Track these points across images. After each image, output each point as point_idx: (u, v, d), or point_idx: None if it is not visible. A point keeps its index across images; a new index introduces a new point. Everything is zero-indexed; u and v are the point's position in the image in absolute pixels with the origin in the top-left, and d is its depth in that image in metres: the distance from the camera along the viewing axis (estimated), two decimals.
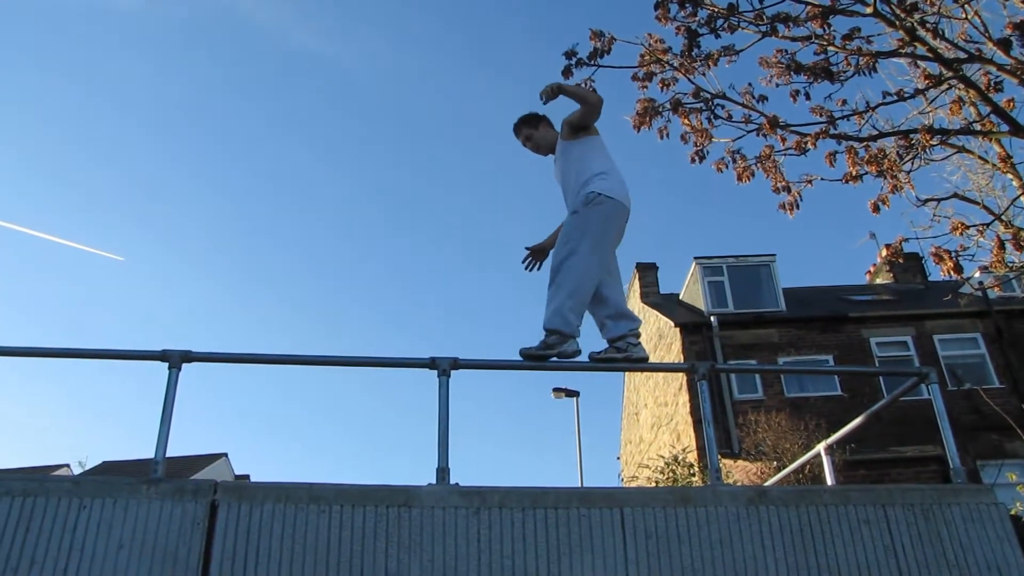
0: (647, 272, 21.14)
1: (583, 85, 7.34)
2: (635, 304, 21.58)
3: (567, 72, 7.73)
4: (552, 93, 4.52)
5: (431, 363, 3.79)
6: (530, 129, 4.93)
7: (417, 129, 66.06)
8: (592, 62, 7.86)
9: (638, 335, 4.47)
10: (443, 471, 3.57)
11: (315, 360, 4.22)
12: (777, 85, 7.83)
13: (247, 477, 30.39)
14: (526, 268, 4.92)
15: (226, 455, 34.65)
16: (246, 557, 3.23)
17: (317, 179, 62.81)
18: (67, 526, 3.28)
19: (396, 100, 65.21)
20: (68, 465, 39.32)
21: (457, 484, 3.55)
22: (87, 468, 38.75)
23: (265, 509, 3.31)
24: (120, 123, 59.14)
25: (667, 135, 8.10)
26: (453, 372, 3.79)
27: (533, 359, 4.22)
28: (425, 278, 68.84)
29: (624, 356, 4.35)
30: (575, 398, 20.24)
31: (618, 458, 23.92)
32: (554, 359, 4.22)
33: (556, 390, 20.20)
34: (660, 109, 8.01)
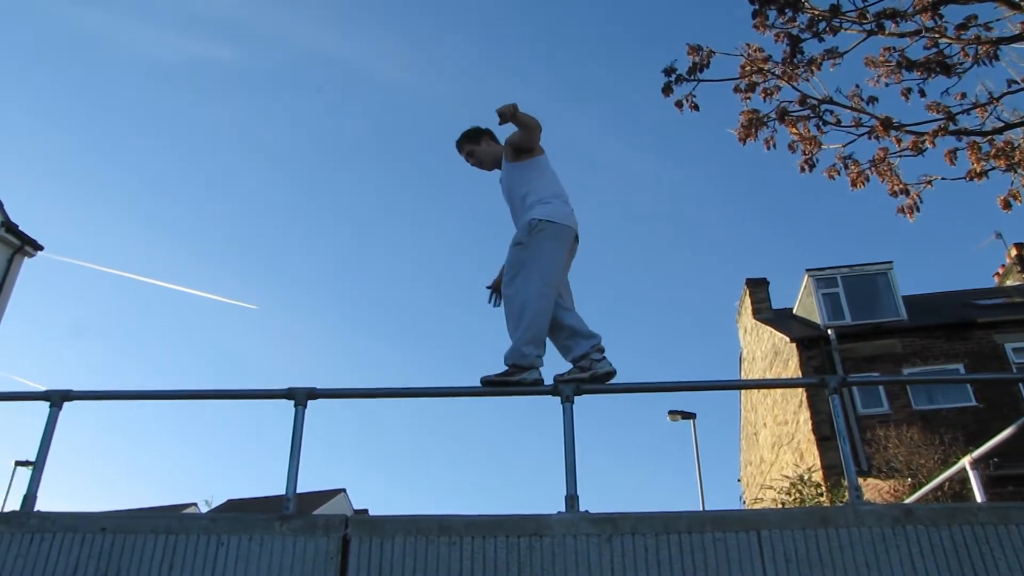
0: (758, 288, 20.60)
1: (688, 98, 7.24)
2: (747, 321, 21.05)
3: (667, 89, 7.66)
4: (511, 114, 4.32)
5: (554, 390, 3.76)
6: (472, 145, 4.84)
7: None
8: (692, 77, 7.76)
9: (601, 350, 4.28)
10: (572, 499, 3.51)
11: (424, 392, 4.27)
12: (887, 84, 7.55)
13: (366, 512, 30.92)
14: (492, 305, 4.76)
15: (344, 490, 35.38)
16: None
17: (432, 211, 64.13)
18: (207, 562, 3.37)
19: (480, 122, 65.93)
20: (196, 504, 40.91)
21: (587, 511, 3.48)
22: (213, 506, 40.25)
23: (396, 542, 3.32)
24: (247, 176, 61.94)
25: (774, 145, 7.91)
26: (577, 399, 3.75)
27: (491, 385, 4.13)
28: None
29: (590, 374, 4.16)
30: (692, 420, 19.81)
31: (739, 480, 23.24)
32: (516, 388, 4.11)
33: (672, 412, 19.81)
34: (765, 119, 7.83)
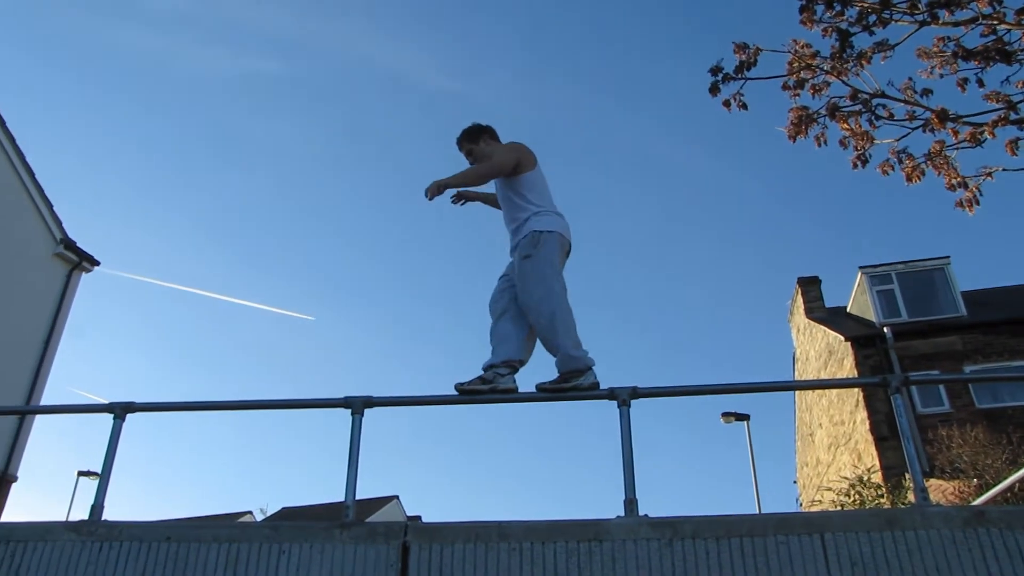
0: (810, 287, 20.26)
1: (736, 97, 7.12)
2: (800, 320, 20.72)
3: (714, 89, 7.59)
4: (436, 191, 4.40)
5: (610, 394, 3.73)
6: (471, 144, 4.89)
7: (559, 158, 66.61)
8: (739, 76, 7.68)
9: (512, 367, 4.34)
10: (631, 502, 3.48)
11: (479, 399, 4.25)
12: (941, 75, 7.37)
13: (418, 518, 31.07)
14: (451, 202, 4.86)
15: (397, 497, 35.59)
16: None
17: (485, 215, 64.31)
18: (269, 570, 3.41)
19: (532, 130, 66.08)
20: (251, 512, 41.50)
21: (646, 515, 3.45)
22: (268, 514, 40.80)
23: (455, 549, 3.32)
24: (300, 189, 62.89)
25: (825, 142, 7.77)
26: (633, 402, 3.72)
27: (548, 392, 4.17)
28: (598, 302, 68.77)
29: (490, 387, 4.24)
30: (745, 421, 19.55)
31: (795, 481, 22.87)
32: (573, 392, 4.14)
33: (725, 414, 19.57)
34: (815, 116, 7.71)
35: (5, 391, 15.05)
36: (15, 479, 15.22)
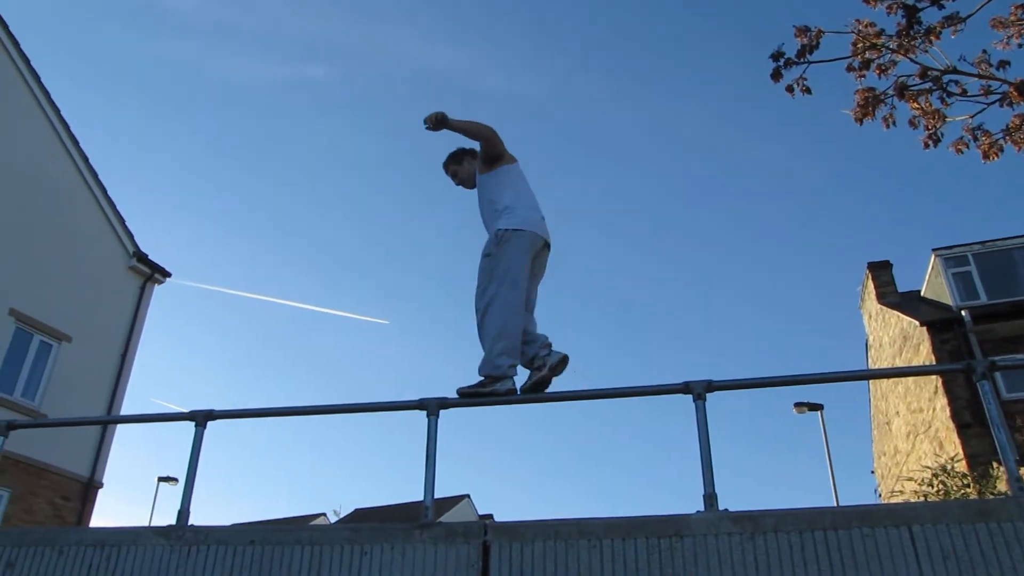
0: (881, 271, 19.73)
1: (799, 82, 6.98)
2: (872, 307, 20.21)
3: (776, 75, 7.43)
4: (436, 122, 4.42)
5: (685, 388, 3.68)
6: (455, 166, 4.99)
7: (612, 155, 66.23)
8: (801, 60, 7.51)
9: (548, 345, 4.39)
10: (710, 497, 3.43)
11: (558, 396, 4.24)
12: (1020, 45, 7.07)
13: (490, 517, 31.20)
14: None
15: (468, 496, 35.79)
16: None
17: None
18: (351, 572, 3.45)
19: (581, 127, 65.76)
20: (325, 514, 42.21)
21: (727, 510, 3.39)
22: (342, 516, 41.43)
23: (535, 547, 3.32)
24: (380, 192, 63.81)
25: (893, 123, 7.54)
26: (708, 395, 3.66)
27: (467, 396, 4.16)
28: (650, 301, 68.41)
29: (548, 368, 4.28)
30: (819, 411, 19.16)
31: (872, 471, 22.33)
32: (490, 398, 4.17)
33: (798, 404, 19.20)
34: (883, 96, 7.49)
35: (88, 401, 15.60)
36: (101, 485, 15.75)
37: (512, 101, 64.47)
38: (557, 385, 4.31)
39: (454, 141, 4.82)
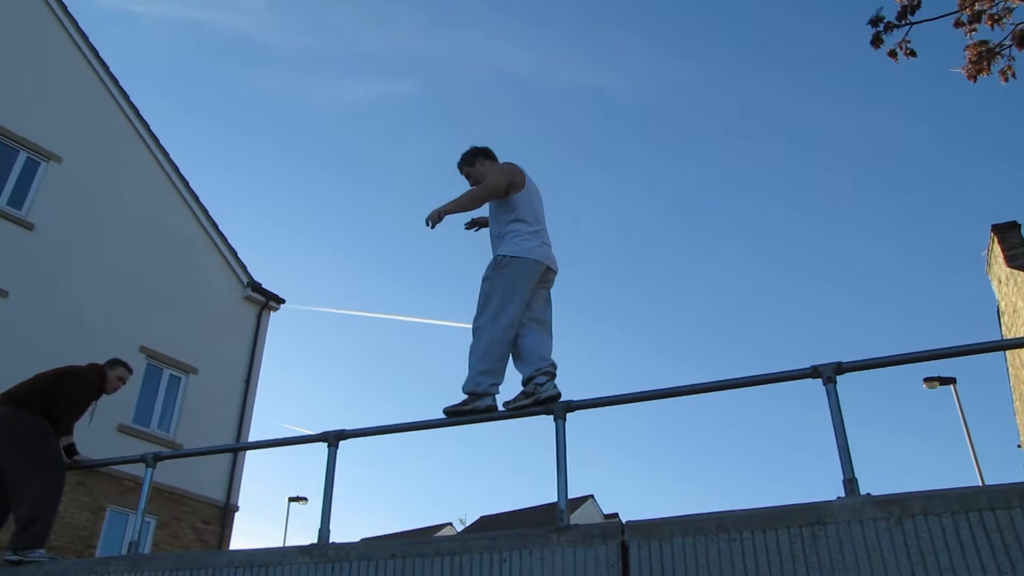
0: (1007, 233, 18.54)
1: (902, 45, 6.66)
2: (1000, 271, 19.14)
3: (876, 41, 7.14)
4: (437, 218, 4.52)
5: (813, 372, 3.57)
6: (467, 167, 5.06)
7: (712, 137, 65.04)
8: (902, 22, 7.19)
9: (547, 374, 4.39)
10: (851, 482, 3.32)
11: (681, 391, 4.16)
12: None
13: (616, 516, 31.02)
14: (469, 229, 5.12)
15: (592, 497, 35.70)
16: None
17: (626, 205, 63.99)
18: None
19: (671, 110, 64.76)
20: (451, 523, 42.83)
21: (869, 494, 3.27)
22: (468, 524, 41.95)
23: (675, 544, 3.28)
24: None
25: (1012, 75, 7.11)
26: (838, 378, 3.54)
27: (453, 415, 4.35)
28: (754, 290, 66.89)
29: (532, 399, 4.31)
30: (952, 385, 18.24)
31: (1019, 446, 21.12)
32: (472, 415, 4.35)
33: (928, 379, 18.33)
34: (998, 49, 7.08)
35: (218, 429, 16.29)
36: (237, 508, 16.41)
37: (587, 93, 64.10)
38: (676, 380, 4.26)
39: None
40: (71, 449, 5.97)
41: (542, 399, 4.28)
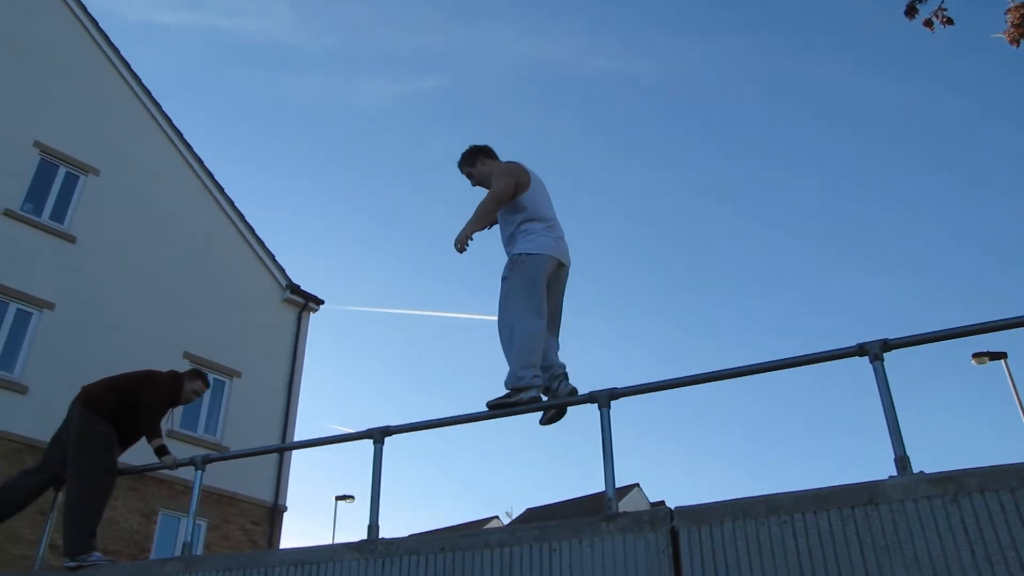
0: None
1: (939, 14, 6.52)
2: None
3: (911, 11, 6.97)
4: (466, 240, 4.62)
5: (859, 350, 3.52)
6: (468, 167, 5.08)
7: (738, 118, 64.33)
8: None
9: (561, 376, 4.55)
10: (902, 460, 3.26)
11: (725, 374, 4.12)
12: None
13: (663, 503, 30.90)
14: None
15: (638, 485, 35.62)
16: None
17: (660, 190, 63.58)
18: (542, 569, 3.48)
19: (705, 92, 64.15)
20: (497, 516, 43.00)
21: (922, 472, 3.21)
22: (514, 517, 42.08)
23: (725, 528, 3.25)
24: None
25: None
26: (885, 355, 3.48)
27: (497, 408, 4.36)
28: (802, 272, 66.13)
29: (515, 399, 4.36)
30: (1002, 360, 17.87)
31: None
32: (516, 407, 4.34)
33: (977, 355, 17.97)
34: None
35: (264, 431, 16.49)
36: (285, 508, 16.61)
37: (615, 79, 63.70)
38: (716, 367, 4.22)
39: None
40: (162, 450, 5.86)
41: (564, 394, 4.45)
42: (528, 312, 4.49)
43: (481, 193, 4.89)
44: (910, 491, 3.11)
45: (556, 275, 4.72)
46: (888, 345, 3.51)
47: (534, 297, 4.53)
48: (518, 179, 4.77)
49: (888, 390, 3.41)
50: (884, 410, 3.39)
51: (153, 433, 5.89)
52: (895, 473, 3.26)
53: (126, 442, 5.94)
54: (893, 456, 3.31)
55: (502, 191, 4.70)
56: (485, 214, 4.72)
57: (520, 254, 4.62)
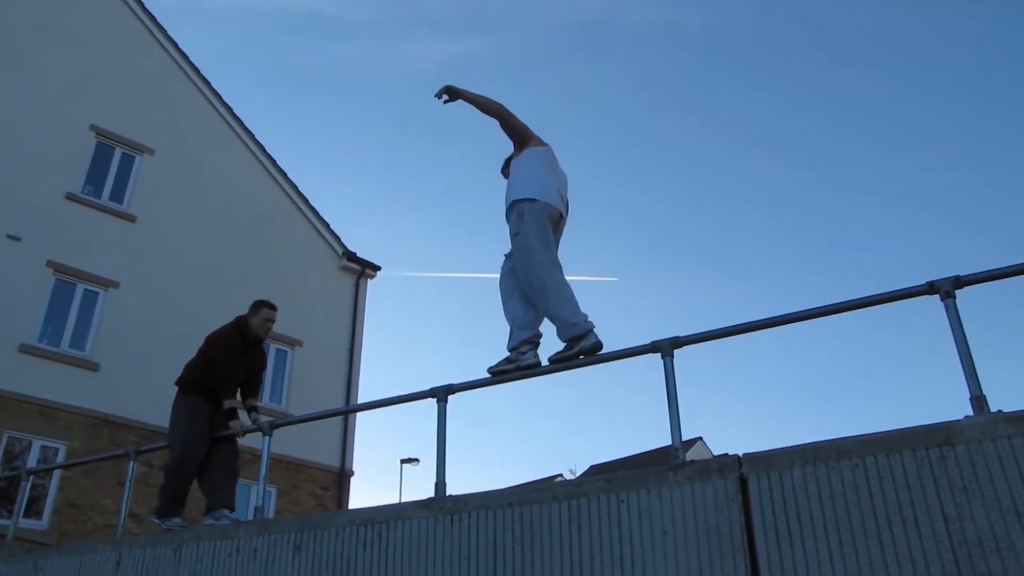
0: None
1: None
2: None
3: None
4: (449, 92, 4.89)
5: (930, 288, 3.41)
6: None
7: (787, 65, 62.64)
8: None
9: (532, 343, 4.53)
10: (979, 399, 3.16)
11: (792, 317, 4.02)
12: None
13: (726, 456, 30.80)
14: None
15: (701, 438, 35.54)
16: (788, 524, 3.13)
17: (709, 142, 62.52)
18: (611, 520, 3.48)
19: (746, 40, 62.57)
20: (561, 474, 43.32)
21: (1000, 411, 3.11)
22: (578, 473, 42.35)
23: (795, 474, 3.19)
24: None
25: None
26: (957, 292, 3.37)
27: (560, 362, 4.36)
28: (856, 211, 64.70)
29: (514, 365, 4.47)
30: None
31: None
32: (579, 360, 4.30)
33: None
34: None
35: (327, 398, 16.79)
36: (352, 473, 16.95)
37: (660, 28, 62.40)
38: (781, 308, 4.14)
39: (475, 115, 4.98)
40: (232, 414, 6.01)
41: (522, 366, 4.47)
42: (548, 261, 4.52)
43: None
44: (988, 430, 3.02)
45: (557, 225, 4.77)
46: (960, 282, 3.39)
47: (547, 244, 4.58)
48: (531, 133, 4.95)
49: (961, 328, 3.30)
50: (957, 348, 3.28)
51: (228, 392, 6.03)
52: (971, 413, 3.17)
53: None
54: (969, 396, 3.22)
55: (504, 111, 4.91)
56: (479, 102, 4.90)
57: (518, 200, 4.66)
